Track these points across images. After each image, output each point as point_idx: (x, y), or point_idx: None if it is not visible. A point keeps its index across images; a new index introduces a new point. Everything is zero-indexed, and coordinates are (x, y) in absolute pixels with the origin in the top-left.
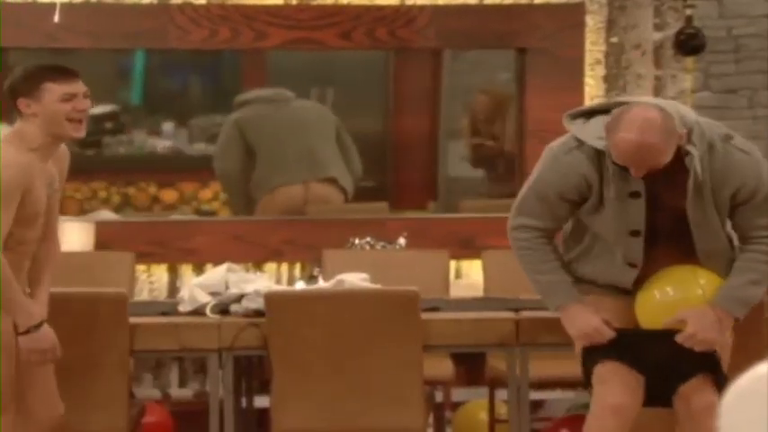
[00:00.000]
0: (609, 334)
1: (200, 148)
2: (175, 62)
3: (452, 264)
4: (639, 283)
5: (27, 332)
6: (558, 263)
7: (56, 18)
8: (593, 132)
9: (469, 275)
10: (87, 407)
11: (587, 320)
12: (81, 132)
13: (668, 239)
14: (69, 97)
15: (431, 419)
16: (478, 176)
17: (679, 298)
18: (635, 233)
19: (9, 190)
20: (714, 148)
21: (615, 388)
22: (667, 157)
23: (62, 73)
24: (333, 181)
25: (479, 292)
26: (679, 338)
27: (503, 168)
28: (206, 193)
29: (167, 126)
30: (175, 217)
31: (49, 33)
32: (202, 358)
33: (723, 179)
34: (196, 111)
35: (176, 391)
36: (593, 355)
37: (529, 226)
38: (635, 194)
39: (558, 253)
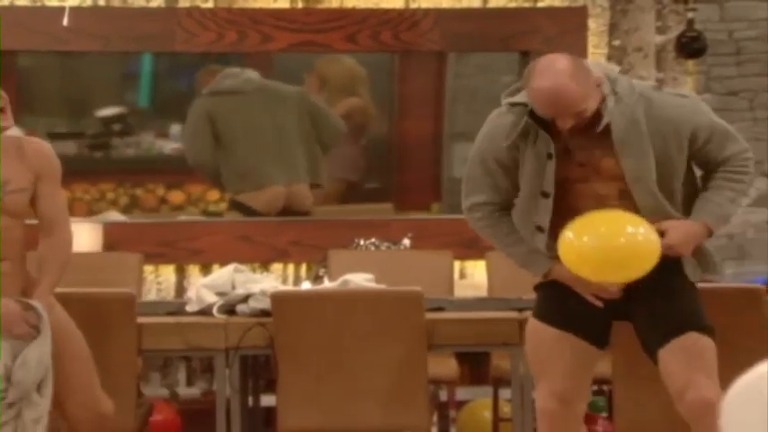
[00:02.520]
0: (614, 291)
1: None
2: (183, 65)
3: (456, 264)
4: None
5: None
6: (519, 234)
7: (65, 21)
8: (523, 95)
9: (473, 276)
10: None
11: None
12: (7, 122)
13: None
14: None
15: (435, 418)
16: None
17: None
18: (545, 194)
19: None
20: (649, 98)
21: (542, 391)
22: (587, 102)
23: None
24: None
25: (483, 293)
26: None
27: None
28: (213, 195)
29: (175, 128)
30: (183, 218)
31: (58, 36)
32: (209, 357)
33: (670, 128)
34: None
35: (184, 390)
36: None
37: (479, 203)
38: (550, 156)
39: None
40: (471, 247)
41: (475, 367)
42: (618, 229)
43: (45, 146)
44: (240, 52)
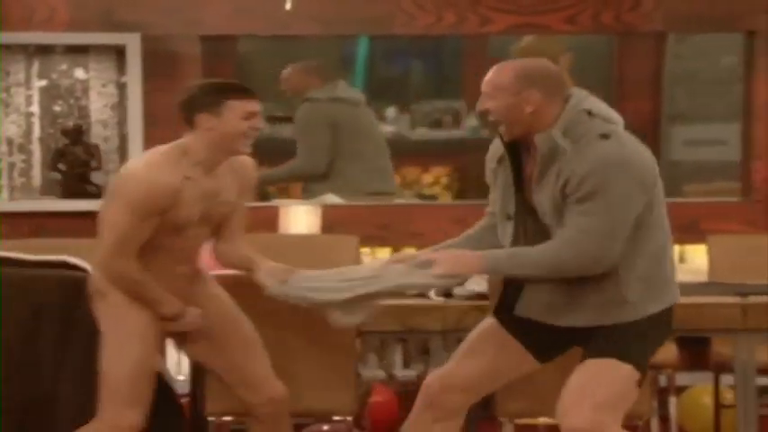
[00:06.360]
0: None
1: (421, 133)
2: (398, 48)
3: (676, 248)
4: None
5: (173, 319)
6: None
7: (287, 5)
8: None
9: (693, 260)
10: (317, 387)
11: None
12: (248, 149)
13: None
14: (250, 116)
15: (655, 404)
16: (702, 160)
17: None
18: (509, 217)
19: (143, 206)
20: (582, 140)
21: None
22: (502, 97)
23: (245, 92)
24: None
25: (704, 277)
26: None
27: None
28: (427, 178)
29: (390, 111)
30: (398, 201)
31: (281, 21)
32: (426, 339)
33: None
34: (418, 96)
35: (400, 372)
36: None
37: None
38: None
39: None
40: (691, 231)
41: (695, 352)
42: None
43: (251, 162)
44: (457, 34)
